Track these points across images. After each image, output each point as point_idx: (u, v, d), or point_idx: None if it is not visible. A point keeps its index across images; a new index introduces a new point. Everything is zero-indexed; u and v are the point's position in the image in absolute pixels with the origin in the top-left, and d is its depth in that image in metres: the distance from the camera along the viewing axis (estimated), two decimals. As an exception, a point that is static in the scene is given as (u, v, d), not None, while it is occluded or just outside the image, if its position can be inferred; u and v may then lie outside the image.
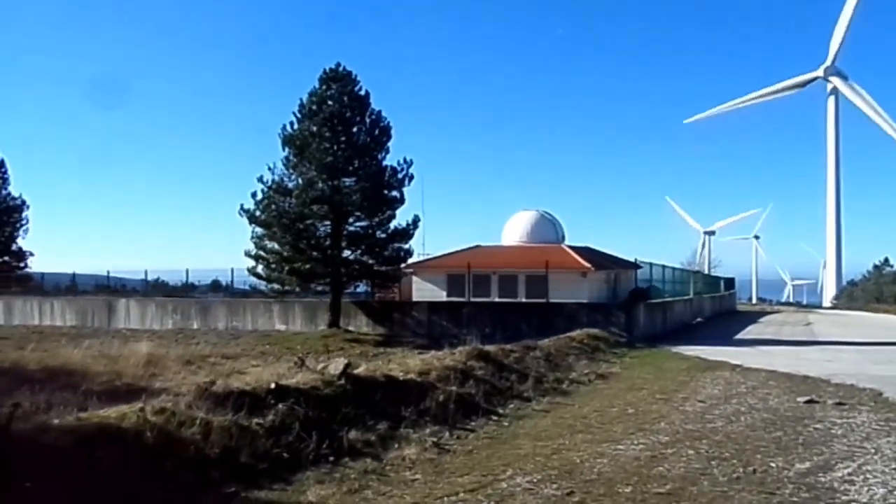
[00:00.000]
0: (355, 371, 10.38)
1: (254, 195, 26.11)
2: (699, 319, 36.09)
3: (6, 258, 46.59)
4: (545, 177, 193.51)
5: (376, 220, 27.36)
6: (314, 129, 26.00)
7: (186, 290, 37.03)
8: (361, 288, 30.70)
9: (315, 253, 26.42)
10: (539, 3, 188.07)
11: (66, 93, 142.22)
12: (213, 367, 18.58)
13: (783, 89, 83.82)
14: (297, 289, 26.63)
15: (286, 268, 25.54)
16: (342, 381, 9.59)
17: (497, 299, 29.28)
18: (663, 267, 32.29)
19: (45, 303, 36.96)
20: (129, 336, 29.91)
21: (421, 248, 33.78)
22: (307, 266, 26.11)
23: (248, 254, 26.13)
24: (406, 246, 28.07)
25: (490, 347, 14.24)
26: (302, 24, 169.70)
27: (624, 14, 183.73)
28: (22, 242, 47.54)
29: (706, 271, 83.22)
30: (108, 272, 42.79)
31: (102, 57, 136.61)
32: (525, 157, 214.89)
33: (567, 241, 34.12)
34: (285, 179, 26.14)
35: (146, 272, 40.28)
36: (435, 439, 8.72)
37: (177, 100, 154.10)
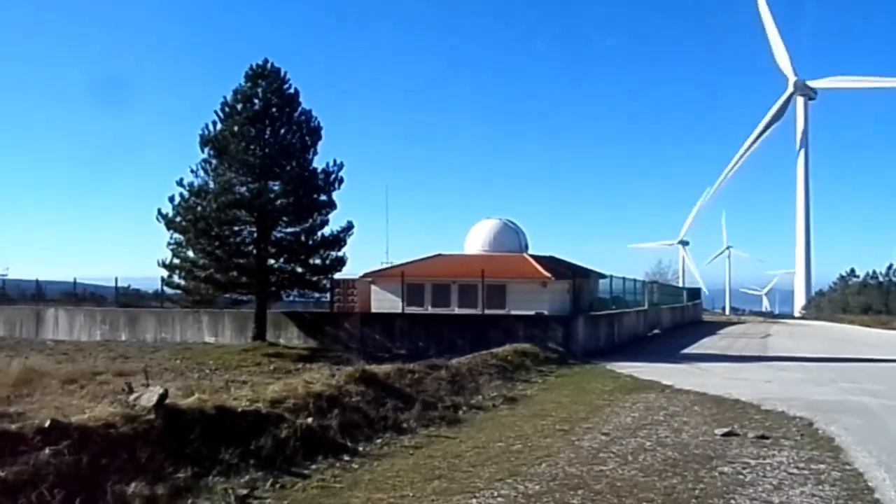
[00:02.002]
0: (182, 402, 8.64)
1: (171, 199, 24.19)
2: (656, 331, 34.91)
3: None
4: (516, 186, 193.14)
5: (305, 226, 25.55)
6: (236, 128, 24.16)
7: (119, 299, 34.84)
8: (322, 298, 29.38)
9: (238, 260, 24.54)
10: (516, 13, 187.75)
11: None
12: (99, 387, 16.69)
13: (768, 125, 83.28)
14: (215, 299, 24.67)
15: (202, 276, 23.60)
16: (152, 416, 7.85)
17: (457, 309, 28.14)
18: (612, 277, 31.02)
19: (-26, 312, 34.70)
20: (51, 347, 28.08)
21: (384, 256, 33.25)
22: (227, 274, 24.21)
23: (162, 263, 24.14)
24: (339, 254, 26.29)
25: (381, 368, 12.61)
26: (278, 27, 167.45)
27: (599, 27, 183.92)
28: None
29: (681, 283, 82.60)
30: (38, 279, 40.51)
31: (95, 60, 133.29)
32: (494, 167, 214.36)
33: (531, 251, 33.07)
34: (204, 182, 24.23)
35: (74, 280, 37.93)
36: (246, 491, 7.00)
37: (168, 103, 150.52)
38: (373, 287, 30.45)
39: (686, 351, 24.17)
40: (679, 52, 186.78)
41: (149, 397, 8.15)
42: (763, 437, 9.55)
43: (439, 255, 32.60)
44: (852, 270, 70.65)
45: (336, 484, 7.43)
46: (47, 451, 6.66)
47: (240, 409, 8.78)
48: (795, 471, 7.83)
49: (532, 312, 24.76)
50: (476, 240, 33.62)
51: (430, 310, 29.07)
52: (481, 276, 25.89)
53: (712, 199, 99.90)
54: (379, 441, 9.34)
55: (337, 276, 28.72)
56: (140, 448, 7.26)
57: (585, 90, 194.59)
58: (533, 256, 31.12)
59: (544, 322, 22.53)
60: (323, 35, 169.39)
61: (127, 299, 35.02)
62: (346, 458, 8.43)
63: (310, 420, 9.06)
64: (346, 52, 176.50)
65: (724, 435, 9.67)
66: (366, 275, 30.45)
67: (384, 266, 32.07)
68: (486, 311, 27.05)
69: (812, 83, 78.93)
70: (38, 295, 37.98)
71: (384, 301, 29.76)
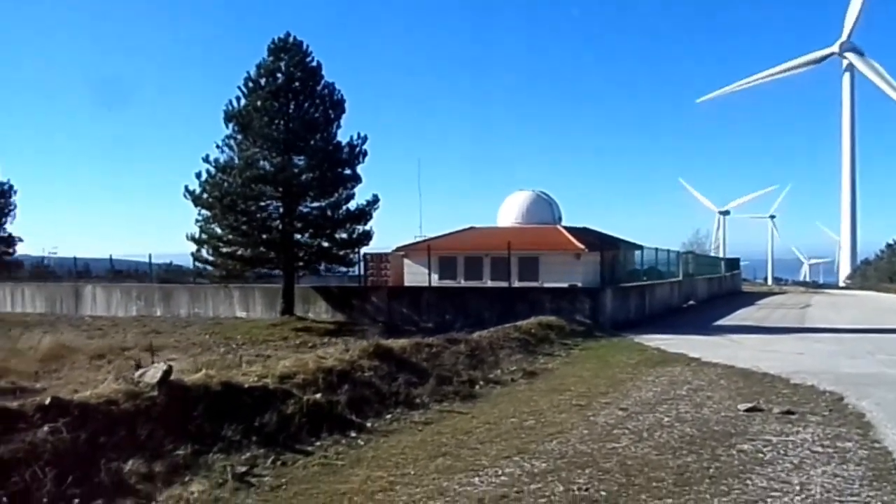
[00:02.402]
0: (188, 378, 8.58)
1: (198, 175, 24.24)
2: (691, 302, 34.26)
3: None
4: (552, 157, 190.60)
5: (331, 200, 25.43)
6: (259, 103, 24.03)
7: (158, 275, 35.40)
8: (354, 272, 29.52)
9: (264, 235, 24.58)
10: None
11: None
12: (125, 362, 16.91)
13: (797, 66, 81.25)
14: (242, 274, 24.80)
15: (228, 251, 23.71)
16: (155, 393, 7.79)
17: (489, 282, 28.00)
18: (645, 249, 30.40)
19: (17, 289, 35.67)
20: (88, 323, 28.76)
21: (418, 229, 33.12)
22: (253, 250, 24.30)
23: (191, 237, 24.30)
24: (366, 227, 26.14)
25: (397, 342, 12.46)
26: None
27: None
28: (11, 228, 46.20)
29: (720, 253, 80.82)
30: (76, 257, 41.47)
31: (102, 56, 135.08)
32: (531, 139, 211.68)
33: (565, 222, 32.57)
34: (229, 158, 24.23)
35: (111, 257, 38.67)
36: (245, 468, 6.88)
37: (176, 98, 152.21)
38: (405, 261, 30.40)
39: (719, 322, 23.54)
40: (721, 18, 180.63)
41: (153, 374, 8.08)
42: (789, 412, 9.13)
43: (472, 227, 32.40)
44: (900, 238, 68.27)
45: (338, 461, 7.29)
46: (46, 428, 6.63)
47: (246, 386, 8.68)
48: (819, 449, 7.43)
49: (565, 285, 24.41)
50: (509, 212, 33.28)
51: (463, 283, 29.00)
52: (508, 248, 25.48)
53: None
54: (389, 417, 9.17)
55: (369, 249, 29.07)
56: (141, 425, 7.20)
57: (622, 57, 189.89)
58: (566, 228, 30.67)
59: (572, 294, 22.12)
60: (355, 9, 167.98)
61: (167, 275, 35.59)
62: (353, 434, 8.28)
63: (318, 396, 8.93)
64: (378, 27, 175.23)
65: (747, 410, 9.27)
66: (398, 248, 30.37)
67: (417, 240, 31.95)
68: (519, 284, 27.00)
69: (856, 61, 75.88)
70: (81, 272, 38.93)
71: (416, 275, 29.68)
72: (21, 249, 46.62)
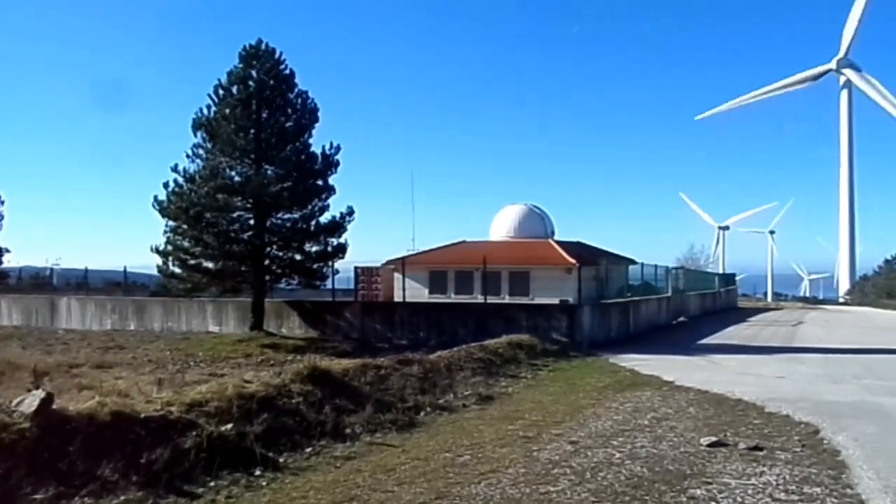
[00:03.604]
0: (75, 407, 7.63)
1: (166, 185, 23.33)
2: (681, 319, 33.26)
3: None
4: (549, 171, 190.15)
5: (305, 212, 24.53)
6: (227, 111, 23.17)
7: (126, 288, 34.46)
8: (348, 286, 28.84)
9: (232, 248, 23.64)
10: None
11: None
12: (68, 381, 15.93)
13: (795, 83, 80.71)
14: (209, 288, 23.84)
15: (193, 264, 22.78)
16: (27, 425, 6.84)
17: (479, 297, 26.94)
18: (642, 265, 29.64)
19: (-6, 302, 34.76)
20: (58, 337, 27.76)
21: (410, 243, 32.53)
22: (220, 263, 23.36)
23: (156, 249, 23.33)
24: (340, 240, 25.21)
25: (342, 362, 11.61)
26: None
27: (632, 12, 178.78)
28: None
29: (719, 268, 79.73)
30: (51, 268, 40.56)
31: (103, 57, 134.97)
32: (525, 152, 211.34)
33: (558, 237, 31.98)
34: (198, 168, 23.35)
35: (86, 269, 37.72)
36: (110, 517, 5.93)
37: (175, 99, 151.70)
38: (396, 275, 29.68)
39: (704, 341, 22.54)
40: (712, 35, 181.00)
41: (30, 402, 7.15)
42: (756, 448, 8.16)
43: (463, 241, 31.81)
44: (899, 253, 67.32)
45: (225, 507, 6.32)
46: None
47: (143, 415, 7.71)
48: (783, 496, 6.46)
49: (556, 300, 23.56)
50: (501, 226, 32.72)
51: (453, 297, 28.31)
52: (483, 262, 24.65)
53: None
54: (309, 450, 8.21)
55: (361, 263, 28.93)
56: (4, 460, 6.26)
57: (620, 72, 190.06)
58: (558, 242, 30.02)
59: (548, 311, 21.15)
60: (347, 19, 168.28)
61: (140, 288, 34.61)
62: (258, 472, 7.31)
63: (227, 427, 7.98)
64: (373, 39, 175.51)
65: (710, 445, 8.30)
66: (389, 262, 29.70)
67: (409, 253, 31.33)
68: (510, 299, 26.59)
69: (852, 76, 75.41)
70: (80, 283, 37.99)
71: (407, 289, 28.83)
72: (25, 261, 45.64)
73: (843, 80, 76.58)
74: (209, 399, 8.60)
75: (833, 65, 76.72)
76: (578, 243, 31.38)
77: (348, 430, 9.05)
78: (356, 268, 29.22)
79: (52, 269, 42.87)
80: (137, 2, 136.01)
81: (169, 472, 6.85)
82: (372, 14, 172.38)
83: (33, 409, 7.04)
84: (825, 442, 8.38)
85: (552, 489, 6.73)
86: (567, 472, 7.32)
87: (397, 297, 28.39)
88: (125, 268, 33.52)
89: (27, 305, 33.81)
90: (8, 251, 45.24)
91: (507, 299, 26.86)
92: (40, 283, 39.97)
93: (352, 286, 29.49)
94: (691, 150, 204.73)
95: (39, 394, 7.26)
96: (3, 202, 44.80)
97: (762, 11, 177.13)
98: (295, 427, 8.74)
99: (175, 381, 14.90)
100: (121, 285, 34.73)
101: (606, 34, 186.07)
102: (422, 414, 10.33)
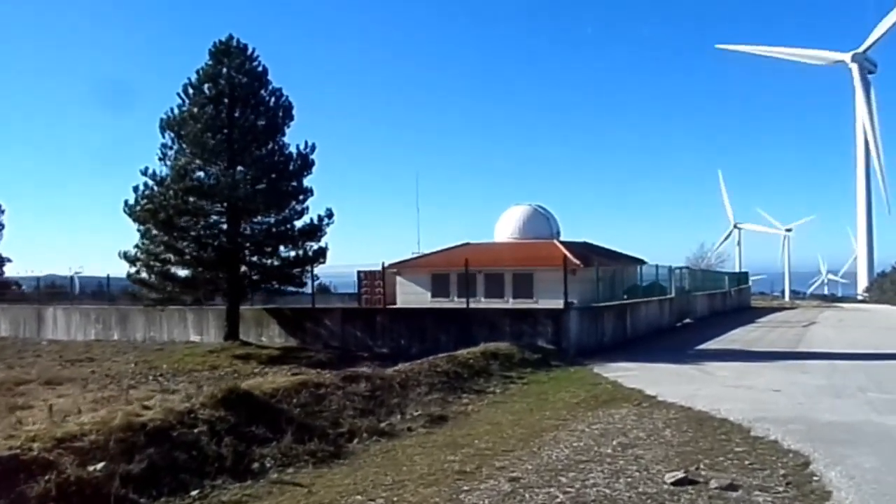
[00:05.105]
0: None
1: (135, 189, 22.20)
2: (687, 321, 31.79)
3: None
4: (558, 171, 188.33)
5: (282, 215, 23.34)
6: (195, 109, 22.03)
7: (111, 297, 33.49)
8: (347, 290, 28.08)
9: (204, 253, 22.47)
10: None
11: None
12: (8, 399, 14.82)
13: (815, 58, 78.26)
14: (180, 296, 22.67)
15: (162, 271, 21.64)
16: None
17: (483, 300, 26.32)
18: (654, 265, 28.45)
19: (-13, 312, 34.12)
20: (39, 348, 26.95)
21: (415, 245, 32.32)
22: (192, 269, 22.22)
23: (124, 255, 22.18)
24: (320, 244, 24.01)
25: (275, 381, 10.42)
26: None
27: (638, 14, 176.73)
28: None
29: (735, 267, 77.72)
30: (72, 276, 39.81)
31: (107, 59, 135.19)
32: (532, 153, 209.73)
33: (564, 237, 30.77)
34: (163, 169, 22.23)
35: (72, 277, 36.79)
36: None
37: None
38: (398, 278, 29.09)
39: (703, 346, 21.02)
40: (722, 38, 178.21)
41: None
42: (730, 487, 6.76)
43: (467, 243, 30.77)
44: (919, 249, 65.22)
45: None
46: None
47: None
48: (748, 560, 5.08)
49: (560, 302, 22.29)
50: (505, 227, 31.64)
51: (456, 300, 27.11)
52: (465, 265, 23.39)
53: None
54: (195, 493, 6.93)
55: (363, 268, 28.46)
56: None
57: (628, 73, 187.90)
58: (563, 243, 28.75)
59: (534, 316, 19.79)
60: (354, 19, 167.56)
61: (124, 297, 33.64)
62: (116, 526, 6.04)
63: (97, 467, 6.72)
64: (377, 41, 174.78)
65: (675, 483, 6.91)
66: (391, 265, 28.83)
67: (413, 256, 30.71)
68: (514, 301, 25.58)
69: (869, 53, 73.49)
70: (82, 293, 37.31)
71: (409, 294, 28.56)
72: (49, 269, 45.04)
73: (855, 72, 74.68)
74: (87, 432, 7.37)
75: (847, 57, 74.81)
76: (585, 243, 30.24)
77: (255, 465, 7.77)
78: (359, 272, 28.84)
79: (72, 278, 42.22)
80: (138, 2, 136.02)
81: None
82: (376, 15, 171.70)
83: None
84: (815, 479, 6.94)
85: (462, 550, 5.40)
86: (491, 523, 5.98)
87: (400, 302, 27.83)
88: (108, 276, 32.44)
89: (15, 316, 33.36)
90: (9, 260, 44.69)
91: (510, 302, 25.84)
92: (56, 293, 39.22)
93: (356, 290, 29.21)
94: (701, 150, 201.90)
95: None
96: (3, 211, 44.23)
97: (773, 15, 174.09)
98: (187, 463, 7.48)
99: (119, 399, 13.83)
100: (105, 294, 33.82)
101: (616, 36, 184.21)
102: (354, 441, 9.02)
